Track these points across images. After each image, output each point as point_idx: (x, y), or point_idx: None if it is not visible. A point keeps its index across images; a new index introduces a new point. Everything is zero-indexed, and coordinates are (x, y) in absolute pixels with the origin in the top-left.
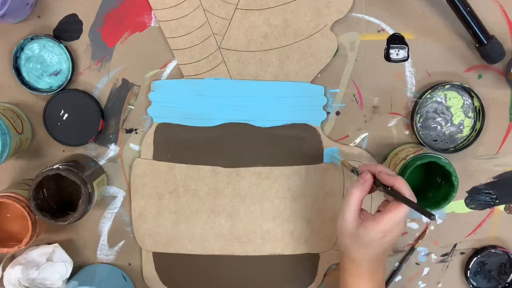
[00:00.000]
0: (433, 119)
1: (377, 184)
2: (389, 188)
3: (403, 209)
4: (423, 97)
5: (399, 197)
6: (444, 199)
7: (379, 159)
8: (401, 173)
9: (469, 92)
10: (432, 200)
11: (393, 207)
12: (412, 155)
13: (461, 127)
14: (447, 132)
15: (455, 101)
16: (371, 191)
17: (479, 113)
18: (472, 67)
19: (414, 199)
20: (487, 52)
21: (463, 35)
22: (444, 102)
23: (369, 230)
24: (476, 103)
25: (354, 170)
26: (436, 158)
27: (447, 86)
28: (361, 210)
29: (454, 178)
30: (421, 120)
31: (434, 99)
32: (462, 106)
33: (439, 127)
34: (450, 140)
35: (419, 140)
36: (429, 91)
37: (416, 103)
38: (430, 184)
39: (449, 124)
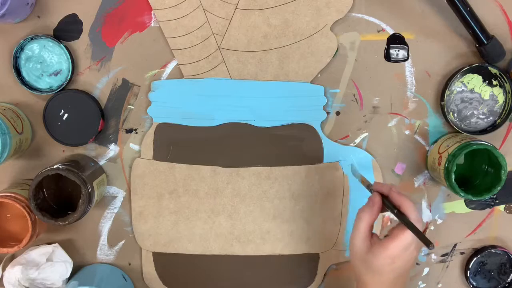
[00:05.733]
0: (465, 107)
1: (386, 205)
2: (396, 211)
3: (409, 234)
4: (445, 96)
5: (404, 221)
6: (487, 191)
7: (380, 159)
8: (455, 155)
9: (478, 69)
10: (478, 188)
11: (399, 232)
12: (466, 141)
13: (494, 97)
14: (485, 110)
15: (475, 81)
16: (382, 210)
17: (502, 77)
18: None
19: (419, 223)
20: (487, 52)
21: (463, 35)
22: (465, 88)
23: (377, 256)
24: (494, 71)
25: (369, 187)
26: (491, 147)
27: (457, 76)
28: (372, 234)
29: (503, 172)
30: (455, 115)
31: (454, 92)
32: (483, 81)
33: (475, 111)
34: (492, 114)
35: (466, 134)
36: (446, 90)
37: (441, 106)
38: (475, 171)
39: (482, 102)
